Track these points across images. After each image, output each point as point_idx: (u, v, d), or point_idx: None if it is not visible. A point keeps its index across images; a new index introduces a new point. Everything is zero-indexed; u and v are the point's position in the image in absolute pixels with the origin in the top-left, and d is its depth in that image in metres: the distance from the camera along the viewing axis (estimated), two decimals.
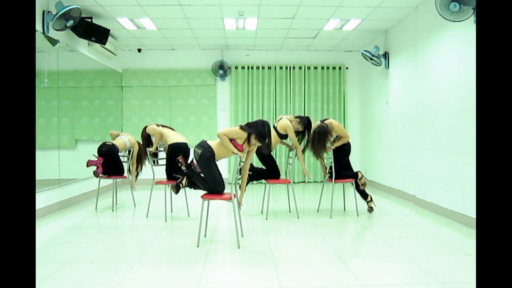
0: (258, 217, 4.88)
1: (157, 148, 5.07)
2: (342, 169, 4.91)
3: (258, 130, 3.65)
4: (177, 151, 4.68)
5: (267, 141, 3.69)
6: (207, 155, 3.65)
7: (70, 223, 4.67)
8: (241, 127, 3.68)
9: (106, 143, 5.41)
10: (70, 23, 4.86)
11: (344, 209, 5.29)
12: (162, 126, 5.07)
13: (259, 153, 4.87)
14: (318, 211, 5.19)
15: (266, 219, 4.76)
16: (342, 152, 4.88)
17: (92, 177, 6.18)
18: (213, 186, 3.68)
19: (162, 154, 5.23)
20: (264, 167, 5.04)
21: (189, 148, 4.89)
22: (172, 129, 5.08)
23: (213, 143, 3.74)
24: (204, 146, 3.69)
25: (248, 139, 3.69)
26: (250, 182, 7.99)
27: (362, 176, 4.92)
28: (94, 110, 6.82)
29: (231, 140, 3.64)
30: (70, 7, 4.76)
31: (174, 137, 4.87)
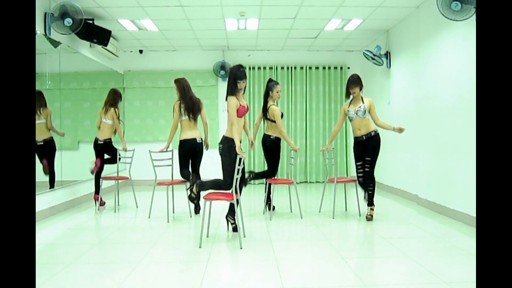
0: (260, 218, 4.88)
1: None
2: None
3: (233, 74, 3.89)
4: (181, 148, 4.83)
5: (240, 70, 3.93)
6: (226, 145, 3.87)
7: (73, 224, 4.68)
8: (228, 95, 3.93)
9: (98, 141, 5.46)
10: (69, 22, 4.84)
11: (346, 209, 5.28)
12: (186, 108, 4.85)
13: (265, 147, 4.97)
14: (319, 211, 5.18)
15: (270, 219, 4.75)
16: (376, 145, 4.62)
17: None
18: (226, 177, 3.84)
19: (164, 155, 5.23)
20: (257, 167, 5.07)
21: (198, 143, 4.84)
22: (194, 118, 4.89)
23: (228, 131, 3.91)
24: (224, 140, 3.91)
25: (235, 91, 3.91)
26: (252, 182, 7.99)
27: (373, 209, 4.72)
28: (96, 111, 6.81)
29: (239, 109, 3.86)
30: (66, 3, 4.77)
31: (183, 134, 4.86)
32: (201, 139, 4.92)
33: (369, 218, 4.64)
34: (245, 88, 4.02)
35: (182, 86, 4.89)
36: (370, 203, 4.68)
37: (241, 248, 3.54)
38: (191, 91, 4.96)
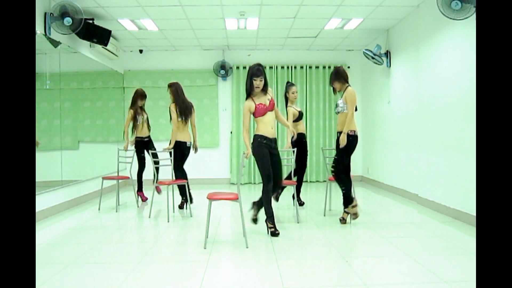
0: (261, 218, 4.87)
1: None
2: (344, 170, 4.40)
3: (250, 73, 3.94)
4: (175, 148, 5.06)
5: (258, 68, 3.94)
6: (255, 144, 3.89)
7: (73, 224, 4.69)
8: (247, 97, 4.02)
9: (144, 139, 5.81)
10: (69, 21, 4.83)
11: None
12: (181, 112, 5.17)
13: (298, 149, 5.14)
14: (325, 215, 5.17)
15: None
16: (346, 146, 4.27)
17: (95, 178, 6.21)
18: (262, 178, 3.91)
19: (165, 155, 5.23)
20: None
21: (187, 147, 5.18)
22: (186, 120, 5.23)
23: (256, 129, 3.97)
24: (253, 138, 3.96)
25: (252, 92, 3.96)
26: (253, 181, 7.98)
27: (356, 205, 4.37)
28: (96, 111, 6.84)
29: (256, 109, 3.88)
30: (66, 2, 4.78)
31: (179, 135, 5.16)
32: (191, 143, 5.25)
33: (342, 221, 4.44)
34: (266, 86, 3.96)
35: (176, 90, 5.20)
36: (344, 204, 4.38)
37: (242, 248, 3.53)
38: (184, 95, 5.25)
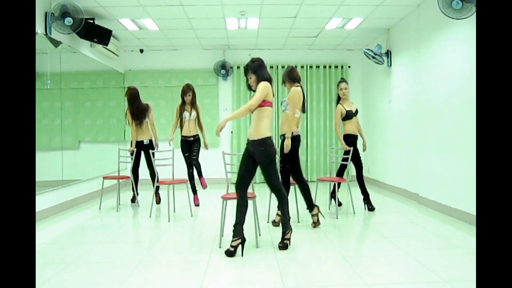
0: (261, 218, 4.87)
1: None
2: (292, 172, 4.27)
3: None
4: (137, 147, 5.53)
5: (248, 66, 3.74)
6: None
7: (74, 224, 4.69)
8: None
9: (187, 138, 5.56)
10: (69, 21, 4.83)
11: (354, 211, 5.27)
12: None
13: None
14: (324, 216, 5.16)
15: (268, 222, 4.73)
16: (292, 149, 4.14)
17: (96, 178, 6.21)
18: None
19: (166, 154, 5.23)
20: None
21: (143, 145, 5.52)
22: (140, 123, 5.55)
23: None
24: None
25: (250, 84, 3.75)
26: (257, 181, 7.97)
27: (316, 214, 4.29)
28: (97, 111, 6.84)
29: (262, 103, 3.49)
30: (66, 2, 4.78)
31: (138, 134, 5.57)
32: (149, 140, 5.58)
33: (314, 224, 4.29)
34: (253, 81, 3.73)
35: (130, 96, 5.54)
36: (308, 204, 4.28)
37: (257, 247, 3.51)
38: (139, 99, 5.59)
